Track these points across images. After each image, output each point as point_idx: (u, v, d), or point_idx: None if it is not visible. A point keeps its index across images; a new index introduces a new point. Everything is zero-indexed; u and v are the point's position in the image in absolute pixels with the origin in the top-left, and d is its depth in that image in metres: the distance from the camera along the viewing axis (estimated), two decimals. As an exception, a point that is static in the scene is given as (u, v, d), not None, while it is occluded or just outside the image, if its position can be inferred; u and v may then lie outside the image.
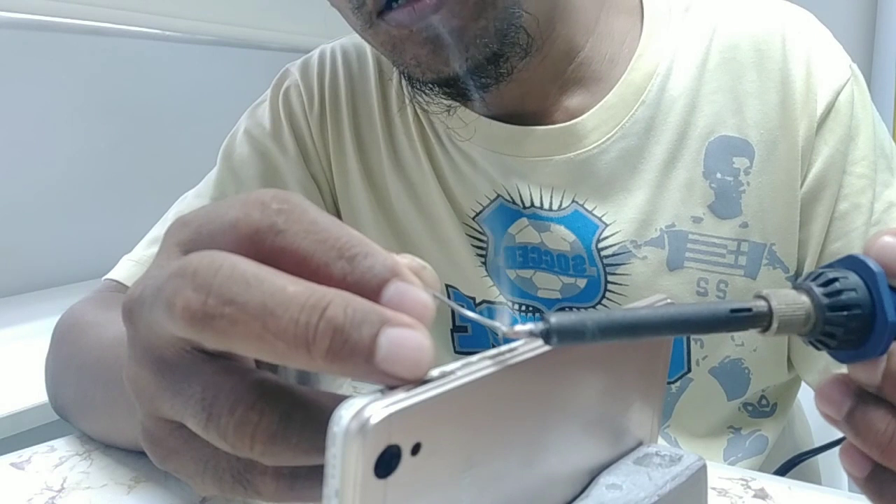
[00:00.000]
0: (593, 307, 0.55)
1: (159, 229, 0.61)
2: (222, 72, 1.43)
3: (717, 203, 0.53)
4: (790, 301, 0.24)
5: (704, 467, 0.29)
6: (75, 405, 0.47)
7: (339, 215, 0.63)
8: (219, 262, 0.20)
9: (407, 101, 0.59)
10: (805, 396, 0.69)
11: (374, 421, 0.18)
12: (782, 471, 0.50)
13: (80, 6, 1.16)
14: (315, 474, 0.23)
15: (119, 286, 0.58)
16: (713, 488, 0.41)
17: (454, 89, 0.50)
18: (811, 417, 0.73)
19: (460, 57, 0.46)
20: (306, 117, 0.62)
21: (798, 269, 0.54)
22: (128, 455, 0.46)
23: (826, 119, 0.52)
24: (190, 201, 0.63)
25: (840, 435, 0.28)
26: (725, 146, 0.53)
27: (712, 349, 0.55)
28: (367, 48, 0.63)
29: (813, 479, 0.67)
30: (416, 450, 0.19)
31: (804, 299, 0.25)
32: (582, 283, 0.55)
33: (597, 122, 0.53)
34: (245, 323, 0.20)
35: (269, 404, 0.21)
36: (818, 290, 0.25)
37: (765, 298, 0.24)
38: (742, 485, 0.42)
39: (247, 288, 0.20)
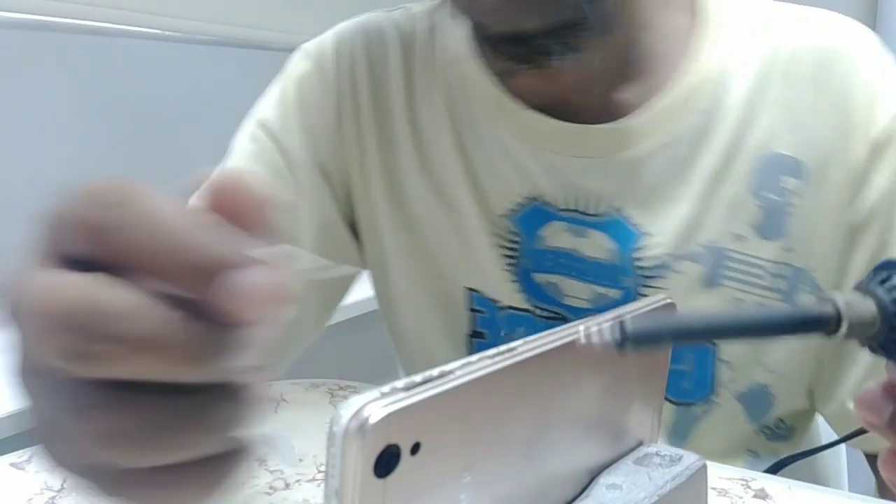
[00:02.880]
0: None
1: None
2: (222, 72, 1.43)
3: (762, 222, 0.50)
4: (857, 303, 0.24)
5: (704, 467, 0.29)
6: None
7: (351, 209, 0.60)
8: (77, 296, 0.20)
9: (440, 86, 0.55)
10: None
11: (373, 420, 0.18)
12: (773, 469, 0.50)
13: (80, 6, 1.16)
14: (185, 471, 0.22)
15: None
16: (713, 488, 0.41)
17: (524, 49, 0.46)
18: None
19: (541, 12, 0.44)
20: (323, 108, 0.59)
21: None
22: (128, 455, 0.46)
23: (885, 147, 0.49)
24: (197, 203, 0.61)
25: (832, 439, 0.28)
26: (776, 163, 0.50)
27: (742, 373, 0.53)
28: (389, 26, 0.59)
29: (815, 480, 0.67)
30: (415, 449, 0.19)
31: (870, 301, 0.24)
32: (615, 294, 0.53)
33: (649, 125, 0.50)
34: (121, 356, 0.19)
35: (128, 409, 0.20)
36: (883, 293, 0.24)
37: (832, 301, 0.24)
38: (742, 485, 0.42)
39: (115, 323, 0.19)
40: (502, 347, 0.22)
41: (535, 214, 0.54)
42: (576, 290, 0.53)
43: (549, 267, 0.54)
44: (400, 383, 0.20)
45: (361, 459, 0.18)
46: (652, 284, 0.52)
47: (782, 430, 0.57)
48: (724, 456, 0.56)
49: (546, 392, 0.24)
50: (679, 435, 0.55)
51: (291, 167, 0.58)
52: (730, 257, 0.51)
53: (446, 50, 0.58)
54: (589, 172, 0.51)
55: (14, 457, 0.47)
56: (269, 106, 0.60)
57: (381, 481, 0.19)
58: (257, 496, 0.38)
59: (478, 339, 0.58)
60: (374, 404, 0.18)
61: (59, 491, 0.43)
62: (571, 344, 0.24)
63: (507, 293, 0.55)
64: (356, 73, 0.58)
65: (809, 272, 0.51)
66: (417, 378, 0.20)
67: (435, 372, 0.20)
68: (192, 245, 0.20)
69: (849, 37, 0.52)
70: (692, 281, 0.51)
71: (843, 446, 0.73)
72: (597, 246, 0.52)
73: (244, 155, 0.59)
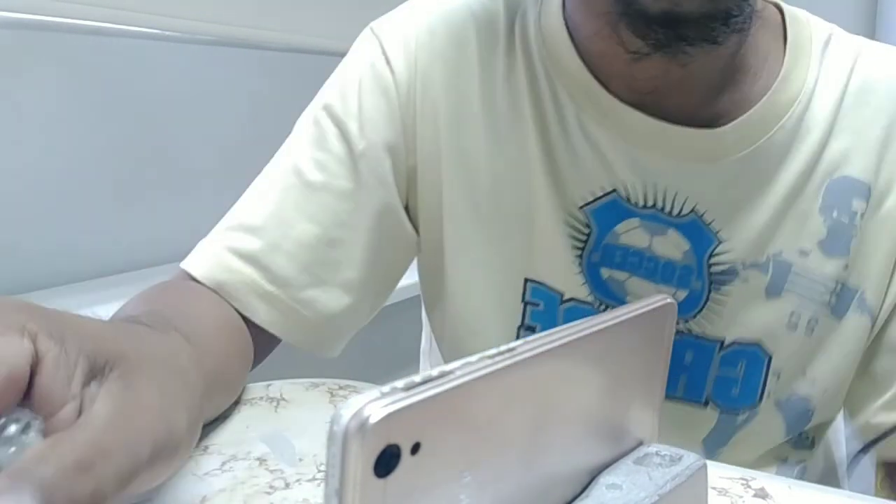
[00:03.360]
0: (685, 321, 0.54)
1: (235, 214, 0.57)
2: (222, 72, 1.43)
3: (827, 240, 0.53)
4: None
5: (704, 467, 0.29)
6: None
7: (412, 193, 0.59)
8: None
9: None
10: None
11: (373, 420, 0.18)
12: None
13: (80, 6, 1.16)
14: None
15: (192, 278, 0.54)
16: (713, 488, 0.41)
17: (673, 32, 0.46)
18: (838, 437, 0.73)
19: None
20: (395, 89, 0.57)
21: (878, 317, 0.55)
22: (128, 455, 0.46)
23: None
24: (262, 186, 0.58)
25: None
26: (847, 186, 0.53)
27: (787, 384, 0.55)
28: (463, 6, 0.58)
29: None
30: (415, 449, 0.19)
31: None
32: (682, 294, 0.54)
33: (738, 135, 0.52)
34: None
35: None
36: None
37: None
38: (742, 484, 0.42)
39: None
40: (502, 347, 0.22)
41: (612, 208, 0.54)
42: (641, 289, 0.54)
43: (618, 263, 0.54)
44: (400, 383, 0.20)
45: (362, 459, 0.18)
46: (720, 290, 0.53)
47: (806, 440, 0.59)
48: (753, 465, 0.57)
49: (546, 392, 0.24)
50: (717, 442, 0.56)
51: (353, 154, 0.56)
52: (793, 271, 0.53)
53: (532, 31, 0.57)
54: (676, 173, 0.52)
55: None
56: (334, 88, 0.59)
57: (381, 481, 0.19)
58: (257, 496, 0.38)
59: (528, 333, 0.58)
60: (375, 404, 0.18)
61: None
62: (571, 343, 0.24)
63: (572, 285, 0.55)
64: (430, 52, 0.57)
65: (861, 290, 0.53)
66: (417, 378, 0.20)
67: (435, 372, 0.20)
68: None
69: None
70: (755, 289, 0.53)
71: (842, 445, 0.73)
72: (672, 246, 0.53)
73: (307, 139, 0.58)
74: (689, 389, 0.55)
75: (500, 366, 0.22)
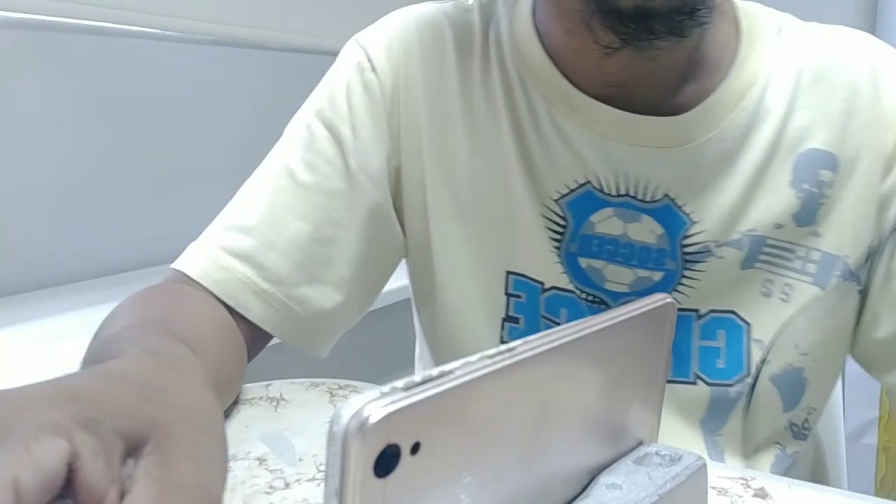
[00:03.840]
0: None
1: (227, 215, 0.59)
2: (222, 72, 1.43)
3: (800, 212, 0.55)
4: None
5: (704, 467, 0.29)
6: None
7: (400, 195, 0.61)
8: None
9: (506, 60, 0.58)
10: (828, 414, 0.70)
11: (373, 420, 0.18)
12: None
13: (80, 6, 1.16)
14: None
15: (185, 278, 0.55)
16: (713, 487, 0.41)
17: (644, 26, 0.49)
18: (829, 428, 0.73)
19: None
20: (379, 94, 0.60)
21: (867, 281, 0.56)
22: (127, 455, 0.46)
23: None
24: (255, 187, 0.60)
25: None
26: (814, 158, 0.55)
27: (774, 354, 0.56)
28: (441, 16, 0.61)
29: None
30: (415, 449, 0.19)
31: None
32: (657, 276, 0.56)
33: (701, 120, 0.54)
34: None
35: None
36: None
37: None
38: (742, 484, 0.42)
39: None
40: (502, 347, 0.22)
41: (586, 200, 0.56)
42: (618, 276, 0.56)
43: (594, 252, 0.57)
44: (400, 383, 0.20)
45: (361, 459, 0.18)
46: (693, 267, 0.56)
47: (805, 430, 0.60)
48: (756, 449, 0.58)
49: (546, 392, 0.24)
50: (715, 423, 0.57)
51: (343, 154, 0.59)
52: (767, 243, 0.55)
53: (505, 36, 0.60)
54: (646, 161, 0.55)
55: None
56: (323, 94, 0.61)
57: (381, 481, 0.19)
58: (257, 495, 0.38)
59: (511, 324, 0.60)
60: (375, 404, 0.18)
61: (58, 491, 0.43)
62: (570, 343, 0.24)
63: (553, 275, 0.58)
64: (410, 58, 0.60)
65: (843, 258, 0.55)
66: (417, 378, 0.20)
67: (435, 372, 0.20)
68: None
69: (873, 47, 0.57)
70: (730, 264, 0.55)
71: (843, 446, 0.74)
72: (647, 231, 0.55)
73: (298, 142, 0.60)
74: (675, 367, 0.57)
75: (499, 366, 0.22)
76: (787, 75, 0.56)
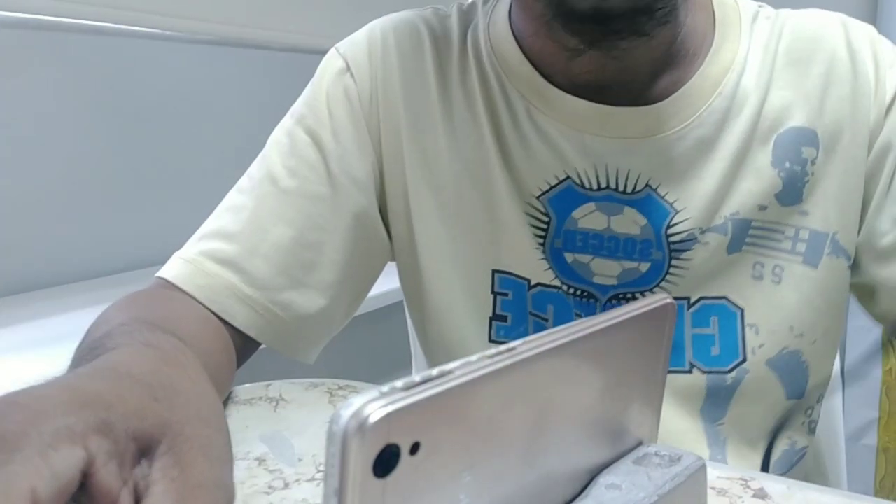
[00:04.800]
0: (650, 290, 0.57)
1: (210, 224, 0.59)
2: (222, 72, 1.43)
3: (783, 192, 0.55)
4: None
5: (704, 467, 0.29)
6: None
7: (384, 199, 0.62)
8: None
9: (480, 67, 0.59)
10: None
11: (372, 420, 0.18)
12: None
13: (80, 6, 1.16)
14: None
15: (169, 284, 0.56)
16: (712, 488, 0.41)
17: (601, 27, 0.50)
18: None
19: None
20: (358, 100, 0.60)
21: (857, 256, 0.56)
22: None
23: (893, 105, 0.55)
24: (236, 196, 0.60)
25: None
26: (794, 136, 0.55)
27: (769, 337, 0.56)
28: (419, 22, 0.62)
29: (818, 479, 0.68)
30: (414, 449, 0.19)
31: None
32: (644, 267, 0.56)
33: (677, 108, 0.55)
34: None
35: None
36: None
37: None
38: (741, 485, 0.42)
39: None
40: (502, 347, 0.22)
41: (567, 195, 0.57)
42: (605, 269, 0.57)
43: (579, 247, 0.57)
44: (399, 383, 0.20)
45: (361, 459, 0.18)
46: (681, 257, 0.56)
47: (813, 425, 0.61)
48: (761, 438, 0.58)
49: (546, 392, 0.24)
50: (716, 409, 0.57)
51: (326, 160, 0.59)
52: (753, 226, 0.55)
53: (482, 38, 0.60)
54: (624, 152, 0.55)
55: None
56: (304, 102, 0.62)
57: (380, 481, 0.19)
58: (256, 496, 0.38)
59: (499, 322, 0.60)
60: (374, 404, 0.18)
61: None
62: (570, 343, 0.24)
63: (538, 271, 0.58)
64: (389, 64, 0.61)
65: (832, 234, 0.55)
66: (417, 378, 0.20)
67: (434, 372, 0.20)
68: None
69: (848, 23, 0.58)
70: (717, 250, 0.55)
71: (843, 447, 0.74)
72: (630, 222, 0.56)
73: (280, 149, 0.60)
74: (670, 357, 0.57)
75: (499, 366, 0.22)
76: (762, 58, 0.56)
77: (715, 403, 0.57)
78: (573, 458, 0.26)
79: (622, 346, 0.27)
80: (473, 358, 0.22)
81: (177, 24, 1.32)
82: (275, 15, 1.49)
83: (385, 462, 0.19)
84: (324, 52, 0.65)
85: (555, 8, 0.50)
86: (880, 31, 0.59)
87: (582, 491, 0.27)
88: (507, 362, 0.22)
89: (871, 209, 0.56)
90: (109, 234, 1.26)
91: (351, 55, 0.62)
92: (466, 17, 0.63)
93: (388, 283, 0.66)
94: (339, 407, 0.18)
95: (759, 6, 0.60)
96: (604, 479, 0.27)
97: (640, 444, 0.30)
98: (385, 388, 0.19)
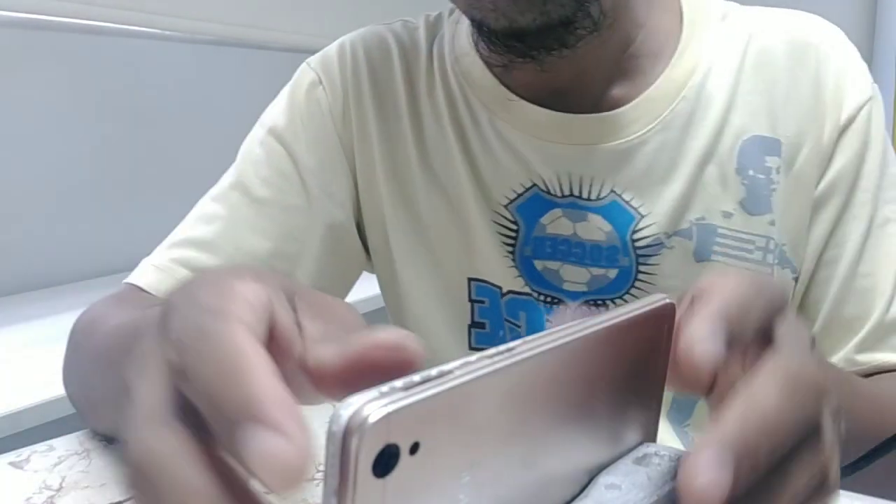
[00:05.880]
0: (621, 297, 0.56)
1: (181, 232, 0.60)
2: (222, 72, 1.44)
3: (747, 199, 0.54)
4: None
5: None
6: (80, 399, 0.47)
7: (359, 209, 0.62)
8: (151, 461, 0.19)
9: (445, 78, 0.59)
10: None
11: (372, 420, 0.18)
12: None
13: (80, 6, 1.16)
14: None
15: (140, 291, 0.56)
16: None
17: (521, 44, 0.50)
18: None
19: (536, 10, 0.47)
20: (330, 113, 0.61)
21: (801, 270, 0.56)
22: (127, 455, 0.46)
23: (847, 129, 0.54)
24: (208, 205, 0.61)
25: None
26: (759, 145, 0.54)
27: None
28: (388, 35, 0.62)
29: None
30: (414, 449, 0.19)
31: None
32: (612, 273, 0.56)
33: (639, 113, 0.54)
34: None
35: None
36: None
37: None
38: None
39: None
40: (501, 347, 0.22)
41: (534, 203, 0.57)
42: (574, 275, 0.56)
43: (548, 254, 0.57)
44: (399, 383, 0.20)
45: (360, 459, 0.18)
46: (648, 262, 0.55)
47: None
48: None
49: (545, 392, 0.24)
50: (682, 412, 0.58)
51: (300, 171, 0.60)
52: (719, 233, 0.55)
53: (447, 50, 0.61)
54: (586, 159, 0.55)
55: (13, 456, 0.47)
56: (277, 113, 0.62)
57: (380, 481, 0.19)
58: (256, 496, 0.38)
59: (478, 330, 0.61)
60: (373, 404, 0.18)
61: (57, 490, 0.43)
62: (570, 343, 0.24)
63: (509, 279, 0.58)
64: (359, 77, 0.61)
65: (781, 245, 0.55)
66: (416, 377, 0.20)
67: (434, 371, 0.20)
68: (229, 395, 0.19)
69: (818, 29, 0.57)
70: (682, 256, 0.55)
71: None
72: (595, 229, 0.55)
73: (253, 159, 0.61)
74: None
75: (499, 365, 0.22)
76: (729, 61, 0.55)
77: (681, 406, 0.57)
78: (572, 459, 0.26)
79: (621, 347, 0.27)
80: (473, 358, 0.22)
81: (177, 24, 1.32)
82: (275, 15, 1.49)
83: (385, 462, 0.19)
84: (324, 52, 0.65)
85: (475, 26, 0.51)
86: (879, 31, 0.58)
87: (581, 491, 0.27)
88: (507, 362, 0.22)
89: (811, 251, 0.55)
90: (108, 235, 1.26)
91: (322, 69, 0.62)
92: (433, 28, 0.63)
93: (373, 288, 0.66)
94: (339, 407, 0.18)
95: (731, 6, 0.59)
96: (603, 479, 0.27)
97: (640, 444, 0.30)
98: (384, 388, 0.19)
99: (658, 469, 0.28)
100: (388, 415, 0.18)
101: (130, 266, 0.57)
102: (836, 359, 0.56)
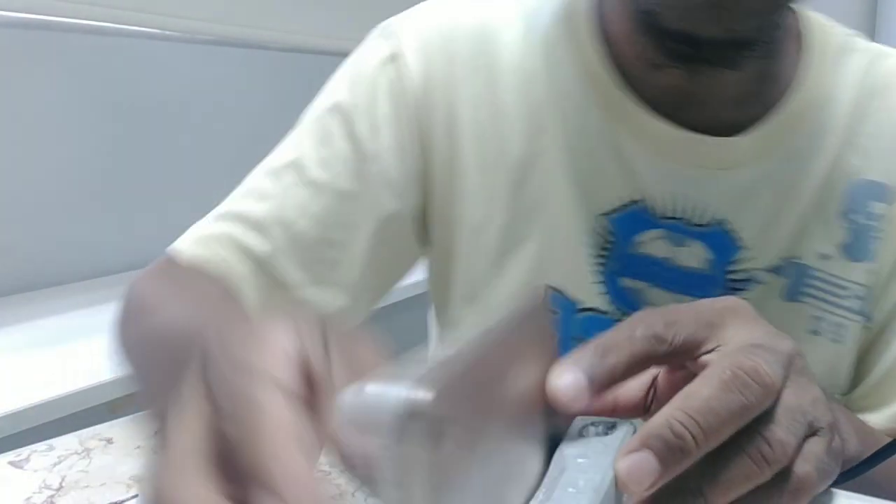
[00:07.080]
0: None
1: (232, 204, 0.56)
2: (222, 72, 1.44)
3: (849, 244, 0.52)
4: None
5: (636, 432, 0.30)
6: (128, 366, 0.47)
7: (423, 198, 0.57)
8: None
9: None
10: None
11: (424, 400, 0.19)
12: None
13: (80, 6, 1.16)
14: None
15: (185, 269, 0.53)
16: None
17: (691, 50, 0.46)
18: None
19: (733, 23, 0.44)
20: (407, 93, 0.54)
21: (873, 319, 0.54)
22: (127, 454, 0.46)
23: None
24: (262, 180, 0.56)
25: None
26: (866, 189, 0.52)
27: None
28: (496, 15, 0.56)
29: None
30: (454, 424, 0.20)
31: None
32: None
33: (760, 142, 0.52)
34: None
35: None
36: None
37: None
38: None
39: None
40: (493, 323, 0.24)
41: (634, 218, 0.53)
42: (659, 299, 0.53)
43: (637, 273, 0.53)
44: (423, 362, 0.20)
45: (414, 440, 0.19)
46: (736, 296, 0.52)
47: None
48: None
49: (512, 378, 0.26)
50: None
51: (359, 152, 0.54)
52: (812, 275, 0.52)
53: (564, 34, 0.55)
54: (702, 183, 0.52)
55: (12, 455, 0.47)
56: (342, 86, 0.56)
57: (431, 457, 0.19)
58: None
59: None
60: (416, 385, 0.19)
61: (57, 490, 0.43)
62: (519, 323, 0.27)
63: (590, 294, 0.54)
64: (450, 55, 0.55)
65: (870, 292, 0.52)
66: (444, 355, 0.21)
67: (451, 351, 0.22)
68: (254, 462, 0.21)
69: None
70: (773, 293, 0.52)
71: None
72: (693, 255, 0.52)
73: (310, 136, 0.56)
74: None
75: (500, 335, 0.24)
76: (848, 98, 0.53)
77: None
78: (532, 432, 0.28)
79: (518, 342, 0.28)
80: (474, 334, 0.23)
81: (177, 24, 1.32)
82: (275, 15, 1.49)
83: (435, 438, 0.19)
84: (324, 53, 0.64)
85: (643, 17, 0.47)
86: (880, 31, 0.57)
87: (548, 465, 0.27)
88: (505, 332, 0.25)
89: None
90: (109, 235, 1.26)
91: (405, 38, 0.55)
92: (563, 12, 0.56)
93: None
94: (385, 391, 0.19)
95: (851, 35, 0.56)
96: (569, 451, 0.27)
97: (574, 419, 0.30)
98: (419, 369, 0.20)
99: (604, 437, 0.29)
100: (438, 393, 0.19)
101: (131, 266, 0.57)
102: (888, 413, 0.54)
